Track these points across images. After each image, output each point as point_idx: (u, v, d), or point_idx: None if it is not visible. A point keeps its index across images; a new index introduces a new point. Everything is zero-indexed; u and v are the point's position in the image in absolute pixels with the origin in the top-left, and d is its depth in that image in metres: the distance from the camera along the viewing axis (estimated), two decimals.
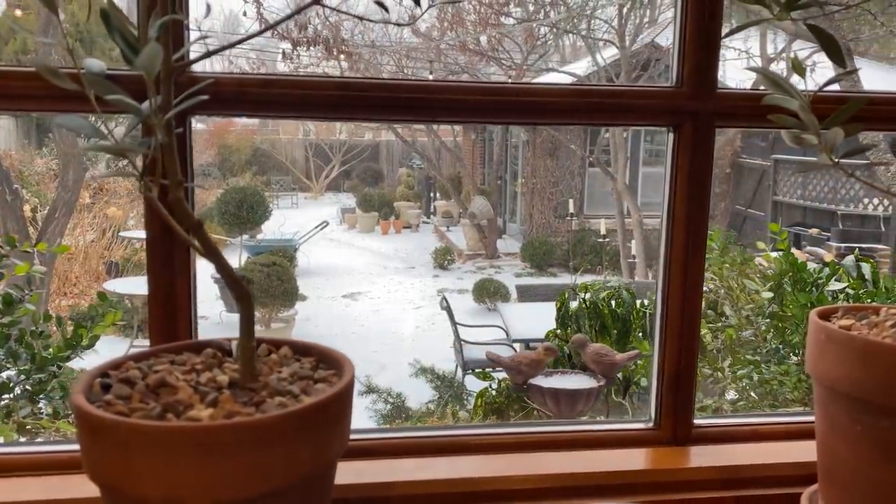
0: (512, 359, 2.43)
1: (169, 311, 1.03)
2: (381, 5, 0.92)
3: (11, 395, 1.71)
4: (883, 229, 9.69)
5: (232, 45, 0.87)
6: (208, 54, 0.84)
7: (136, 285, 8.83)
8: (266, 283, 9.80)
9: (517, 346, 7.47)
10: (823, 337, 0.92)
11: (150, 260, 1.02)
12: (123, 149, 0.87)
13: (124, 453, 0.69)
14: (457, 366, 7.55)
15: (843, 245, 8.86)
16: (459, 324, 7.80)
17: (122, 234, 10.94)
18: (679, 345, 1.15)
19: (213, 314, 9.92)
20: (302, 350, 0.92)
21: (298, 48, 11.70)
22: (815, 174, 10.94)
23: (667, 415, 1.17)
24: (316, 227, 12.92)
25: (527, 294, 9.51)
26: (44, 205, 11.77)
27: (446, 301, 8.67)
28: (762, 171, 11.95)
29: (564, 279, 11.30)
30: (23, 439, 1.65)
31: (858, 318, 0.98)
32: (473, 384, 6.78)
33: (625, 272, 10.21)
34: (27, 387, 1.73)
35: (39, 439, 1.68)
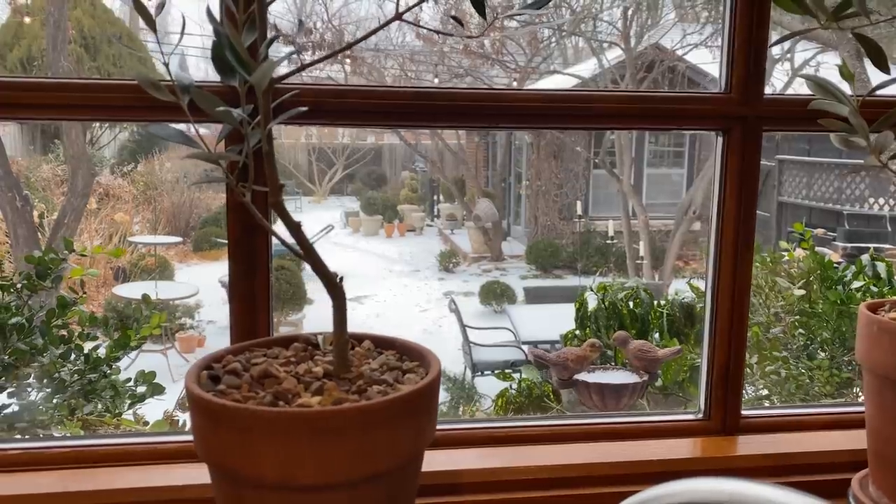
0: (558, 355, 2.50)
1: (249, 309, 1.09)
2: (458, 20, 0.98)
3: (67, 394, 1.77)
4: (889, 229, 9.75)
5: (320, 61, 0.92)
6: (301, 68, 0.89)
7: (144, 290, 8.85)
8: (275, 287, 9.82)
9: (526, 347, 7.52)
10: (875, 329, 0.98)
11: (231, 262, 1.08)
12: (218, 156, 0.93)
13: (245, 437, 0.74)
14: (465, 367, 7.60)
15: (849, 245, 8.92)
16: (468, 326, 7.85)
17: (132, 239, 10.98)
18: (728, 339, 1.20)
19: (221, 318, 9.97)
20: (383, 343, 0.97)
21: (304, 52, 11.77)
22: (820, 174, 11.00)
23: (716, 406, 1.22)
24: (321, 231, 12.96)
25: (535, 296, 9.57)
26: (50, 210, 11.82)
27: (454, 303, 8.72)
28: (767, 172, 12.01)
29: (571, 281, 11.35)
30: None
31: None
32: (482, 386, 6.84)
33: (631, 273, 10.26)
34: (79, 386, 1.79)
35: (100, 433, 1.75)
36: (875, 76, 1.11)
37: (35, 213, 10.55)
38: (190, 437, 1.18)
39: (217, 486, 0.83)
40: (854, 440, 1.16)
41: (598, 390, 2.33)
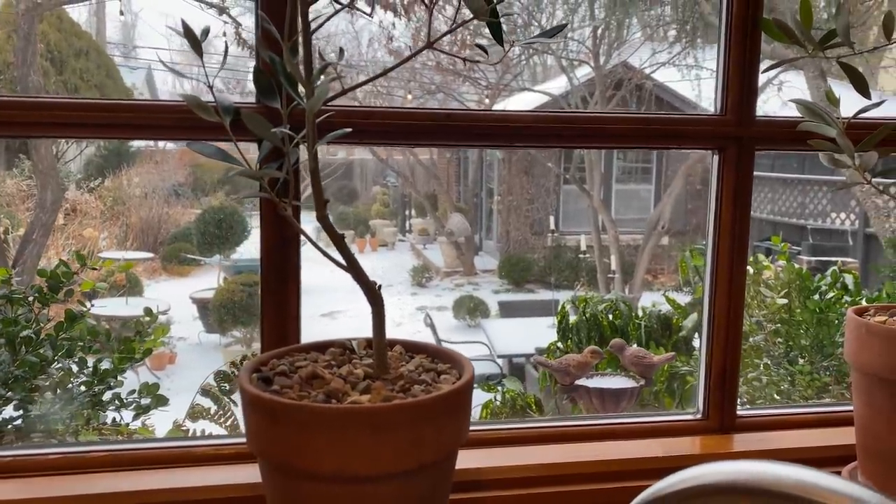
0: (560, 362, 2.59)
1: (281, 316, 1.15)
2: (482, 48, 1.06)
3: (74, 405, 1.80)
4: (851, 243, 10.07)
5: (360, 85, 0.99)
6: (343, 92, 0.96)
7: (115, 307, 8.75)
8: (248, 303, 9.75)
9: (501, 361, 7.60)
10: (864, 331, 1.07)
11: (264, 272, 1.14)
12: (262, 174, 0.99)
13: (304, 433, 0.81)
14: None
15: (813, 259, 9.18)
16: (443, 341, 7.91)
17: (103, 255, 10.86)
18: (725, 344, 1.29)
19: (192, 334, 9.89)
20: (412, 348, 1.04)
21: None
22: (784, 189, 11.31)
23: (714, 406, 1.31)
24: None
25: (509, 310, 9.68)
26: (15, 226, 11.63)
27: (430, 318, 8.78)
28: None
29: (544, 295, 11.48)
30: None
31: (890, 315, 1.13)
32: None
33: (602, 287, 10.42)
34: (88, 398, 1.82)
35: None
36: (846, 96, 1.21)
37: (0, 229, 10.39)
38: (213, 441, 1.23)
39: (270, 481, 0.89)
40: (842, 436, 1.25)
41: (598, 394, 2.45)
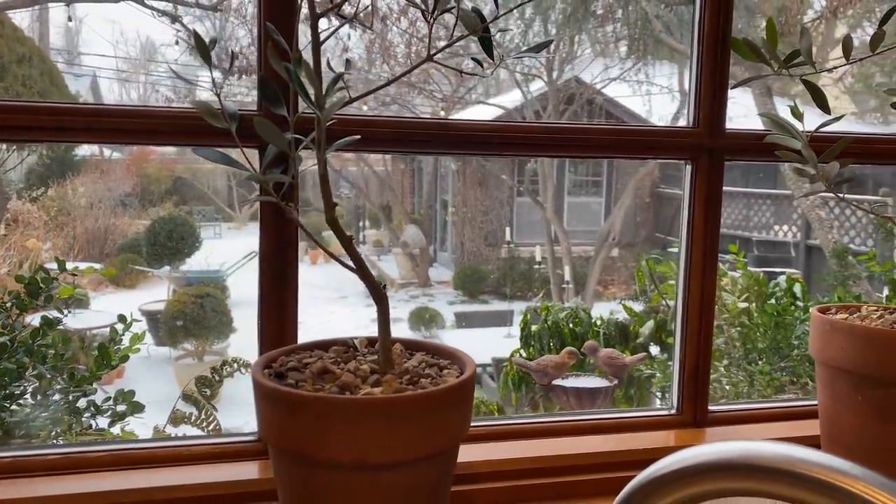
0: (538, 363, 2.67)
1: (279, 318, 1.18)
2: (478, 62, 1.12)
3: (50, 412, 1.78)
4: (793, 254, 10.44)
5: (364, 96, 1.04)
6: (351, 100, 1.01)
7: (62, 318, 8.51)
8: (200, 315, 9.58)
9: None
10: (828, 327, 1.16)
11: (262, 274, 1.18)
12: (268, 178, 1.03)
13: (321, 423, 0.85)
14: None
15: (759, 270, 9.49)
16: None
17: (50, 265, 10.54)
18: (697, 343, 1.37)
19: (140, 347, 9.64)
20: (411, 346, 1.09)
21: (231, 77, 11.69)
22: (729, 202, 11.67)
23: (687, 402, 1.39)
24: (244, 258, 12.77)
25: (465, 321, 9.76)
26: None
27: None
28: (680, 201, 12.60)
29: (498, 306, 11.60)
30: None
31: (850, 313, 1.22)
32: None
33: (556, 298, 10.58)
34: (65, 404, 1.81)
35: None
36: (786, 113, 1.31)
37: None
38: (213, 440, 1.26)
39: (285, 472, 0.92)
40: (807, 428, 1.34)
41: (575, 394, 2.53)
